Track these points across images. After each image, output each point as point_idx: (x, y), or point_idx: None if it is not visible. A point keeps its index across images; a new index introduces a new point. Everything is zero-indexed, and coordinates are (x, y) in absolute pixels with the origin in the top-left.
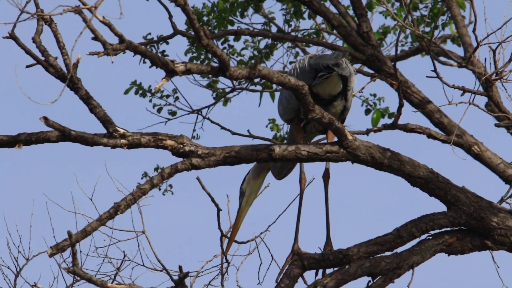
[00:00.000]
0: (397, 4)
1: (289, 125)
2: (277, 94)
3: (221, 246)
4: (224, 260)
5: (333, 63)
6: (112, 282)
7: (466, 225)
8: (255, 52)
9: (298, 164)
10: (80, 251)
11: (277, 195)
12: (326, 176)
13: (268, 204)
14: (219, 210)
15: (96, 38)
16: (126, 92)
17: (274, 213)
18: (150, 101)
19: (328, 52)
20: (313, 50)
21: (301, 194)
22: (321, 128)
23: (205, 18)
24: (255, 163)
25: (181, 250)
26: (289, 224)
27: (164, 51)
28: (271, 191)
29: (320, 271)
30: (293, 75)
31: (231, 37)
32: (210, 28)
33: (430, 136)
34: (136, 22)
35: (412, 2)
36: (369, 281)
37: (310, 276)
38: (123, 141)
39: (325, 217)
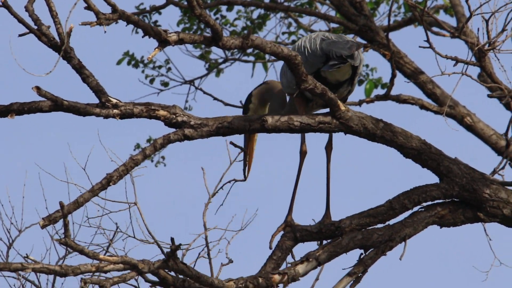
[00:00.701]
0: None
1: (288, 97)
2: (270, 65)
3: (243, 170)
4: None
5: (347, 54)
6: (105, 254)
7: (459, 197)
8: (248, 23)
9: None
10: (73, 222)
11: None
12: (329, 147)
13: (267, 173)
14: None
15: (89, 7)
16: (119, 62)
17: (271, 183)
18: (143, 71)
19: (334, 36)
20: (305, 20)
21: (300, 166)
22: (323, 103)
23: None
24: (253, 92)
25: (173, 222)
26: (285, 196)
27: (156, 21)
28: (270, 161)
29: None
30: (302, 53)
31: (223, 7)
32: None
33: (423, 107)
34: None
35: None
36: (361, 254)
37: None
38: (115, 111)
39: (325, 188)
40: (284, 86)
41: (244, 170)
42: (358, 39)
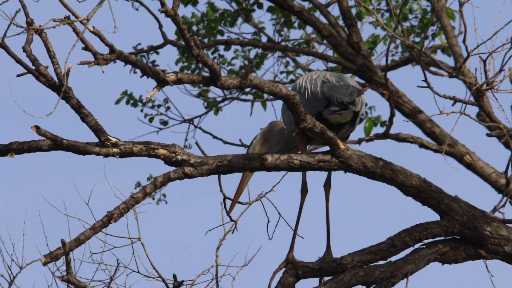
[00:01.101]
0: (387, 14)
1: (284, 136)
2: (268, 104)
3: (224, 207)
4: (229, 220)
5: (348, 101)
6: None
7: (460, 234)
8: (246, 62)
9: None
10: (73, 259)
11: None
12: (327, 185)
13: (269, 210)
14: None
15: (86, 48)
16: (117, 102)
17: (274, 220)
18: (142, 110)
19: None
20: (303, 59)
21: (301, 204)
22: (324, 142)
23: (194, 28)
24: (259, 132)
25: (176, 258)
26: (285, 233)
27: (154, 61)
28: (272, 198)
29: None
30: (302, 94)
31: (221, 47)
32: (200, 38)
33: (422, 145)
34: (127, 33)
35: (402, 13)
36: None
37: (304, 285)
38: (115, 150)
39: (325, 225)
40: (286, 124)
41: (229, 207)
42: (357, 79)
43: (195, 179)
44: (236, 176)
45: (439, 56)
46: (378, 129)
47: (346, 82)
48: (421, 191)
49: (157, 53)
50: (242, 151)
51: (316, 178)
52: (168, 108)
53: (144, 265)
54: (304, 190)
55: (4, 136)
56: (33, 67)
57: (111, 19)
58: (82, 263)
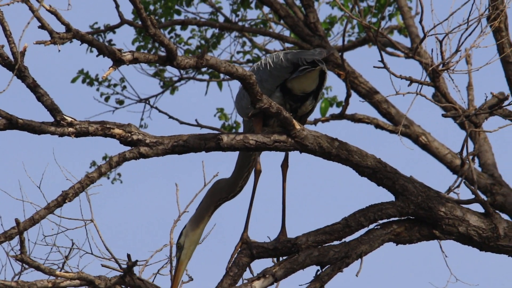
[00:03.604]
0: None
1: (243, 120)
2: (224, 84)
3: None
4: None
5: (319, 58)
6: (60, 271)
7: (414, 215)
8: (202, 42)
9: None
10: (28, 240)
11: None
12: (285, 165)
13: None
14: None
15: (43, 26)
16: (73, 80)
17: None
18: (98, 90)
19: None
20: (260, 39)
21: (254, 184)
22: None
23: (151, 8)
24: (192, 214)
25: (130, 239)
26: (240, 213)
27: (111, 40)
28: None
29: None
30: (262, 70)
31: (178, 27)
32: (157, 17)
33: (378, 126)
34: (84, 12)
35: None
36: (318, 270)
37: (259, 265)
38: (70, 129)
39: (281, 205)
40: (243, 107)
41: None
42: None
43: (151, 159)
44: (194, 156)
45: (396, 36)
46: (334, 110)
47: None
48: (376, 171)
49: (114, 32)
50: (198, 131)
51: (272, 158)
52: (124, 87)
53: (98, 247)
54: (257, 170)
55: None
56: None
57: None
58: (36, 245)
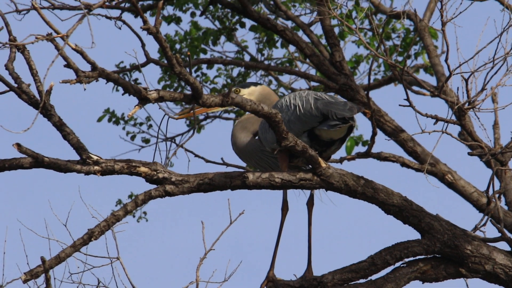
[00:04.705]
0: (370, 33)
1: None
2: None
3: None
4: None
5: (350, 116)
6: None
7: (441, 253)
8: (228, 80)
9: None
10: (54, 278)
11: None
12: (310, 203)
13: (248, 229)
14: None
15: (68, 65)
16: (99, 119)
17: (255, 237)
18: (124, 128)
19: (332, 96)
20: (286, 78)
21: (282, 222)
22: (306, 160)
23: (177, 46)
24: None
25: (156, 276)
26: (267, 250)
27: (137, 79)
28: (253, 216)
29: None
30: (291, 111)
31: (204, 65)
32: (182, 56)
33: (404, 164)
34: (109, 51)
35: (384, 32)
36: None
37: None
38: (96, 167)
39: (307, 243)
40: (269, 142)
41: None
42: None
43: (176, 197)
44: (220, 194)
45: (422, 75)
46: (360, 148)
47: (340, 100)
48: (402, 209)
49: (140, 71)
50: (224, 169)
51: (297, 196)
52: (150, 126)
53: (124, 284)
54: (284, 208)
55: None
56: (15, 85)
57: (94, 36)
58: (62, 284)
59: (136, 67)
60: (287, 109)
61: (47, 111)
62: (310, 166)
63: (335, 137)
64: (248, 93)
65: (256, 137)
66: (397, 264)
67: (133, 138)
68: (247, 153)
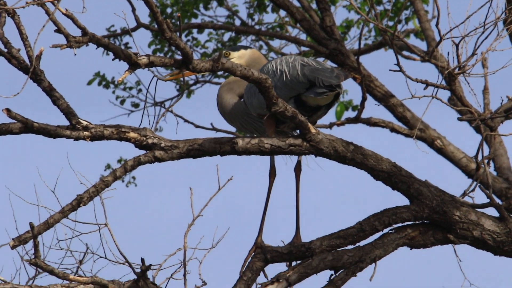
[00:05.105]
0: None
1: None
2: None
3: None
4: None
5: (336, 83)
6: (74, 275)
7: (429, 219)
8: (219, 45)
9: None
10: (43, 244)
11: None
12: (298, 168)
13: (236, 195)
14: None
15: (59, 30)
16: (89, 82)
17: (242, 205)
18: (113, 92)
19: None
20: (276, 43)
21: (269, 188)
22: (294, 126)
23: (168, 10)
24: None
25: (144, 243)
26: (255, 217)
27: (127, 43)
28: (241, 182)
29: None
30: (278, 77)
31: (194, 30)
32: (173, 21)
33: (393, 130)
34: (100, 15)
35: None
36: (332, 275)
37: (273, 269)
38: (86, 133)
39: (295, 209)
40: (255, 107)
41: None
42: (329, 63)
43: (165, 163)
44: (208, 160)
45: (412, 40)
46: (350, 113)
47: (326, 66)
48: (391, 175)
49: (130, 35)
50: (214, 135)
51: (286, 162)
52: (139, 90)
53: (112, 251)
54: (272, 174)
55: None
56: (5, 50)
57: (83, 1)
58: (50, 250)
59: (127, 32)
60: (273, 74)
61: (37, 76)
62: (297, 131)
63: (322, 103)
64: (238, 57)
65: (242, 100)
66: (386, 230)
67: (122, 102)
68: (232, 115)
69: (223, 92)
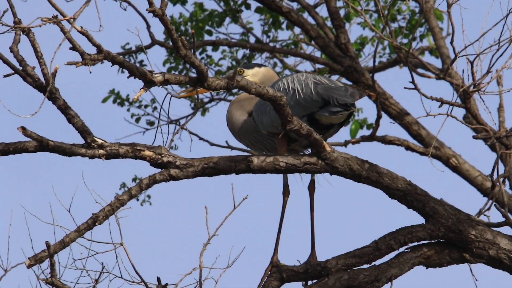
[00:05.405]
0: (375, 15)
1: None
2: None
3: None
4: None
5: (351, 102)
6: None
7: (445, 238)
8: (233, 62)
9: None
10: (59, 263)
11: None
12: (311, 187)
13: (251, 213)
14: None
15: (74, 48)
16: (104, 100)
17: (256, 223)
18: (128, 110)
19: (330, 77)
20: (291, 60)
21: (283, 206)
22: (307, 143)
23: (182, 28)
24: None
25: (159, 262)
26: (270, 235)
27: (142, 61)
28: (255, 200)
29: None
30: (290, 95)
31: (209, 47)
32: (188, 38)
33: (408, 148)
34: (115, 33)
35: (390, 14)
36: None
37: None
38: (101, 151)
39: (310, 228)
40: (266, 125)
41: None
42: (344, 80)
43: (181, 181)
44: (223, 179)
45: (427, 57)
46: (364, 131)
47: (340, 84)
48: (407, 194)
49: (145, 53)
50: (229, 153)
51: (299, 180)
52: (155, 108)
53: (127, 270)
54: (286, 193)
55: None
56: (20, 68)
57: (99, 19)
58: (66, 269)
59: (141, 49)
60: (284, 92)
61: (52, 94)
62: (308, 150)
63: (335, 122)
64: (252, 74)
65: (252, 117)
66: (401, 249)
67: (137, 120)
68: (242, 133)
69: (233, 109)
